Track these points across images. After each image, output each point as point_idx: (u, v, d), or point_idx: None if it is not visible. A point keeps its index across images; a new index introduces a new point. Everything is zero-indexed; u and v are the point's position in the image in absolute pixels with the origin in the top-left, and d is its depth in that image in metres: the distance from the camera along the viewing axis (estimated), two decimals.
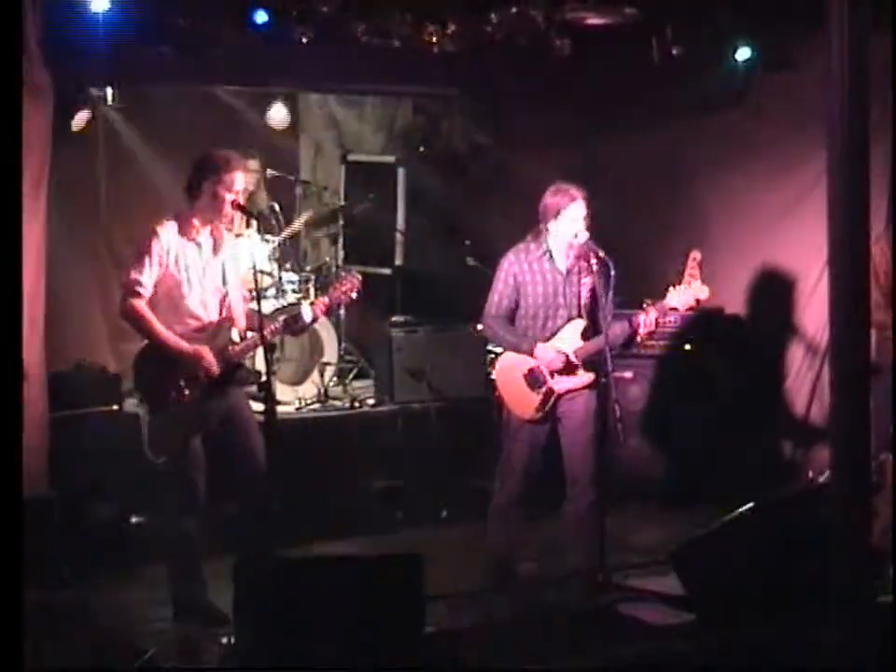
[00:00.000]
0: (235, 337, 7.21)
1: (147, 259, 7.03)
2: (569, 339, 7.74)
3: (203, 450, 7.24)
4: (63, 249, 8.57)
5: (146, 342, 7.32)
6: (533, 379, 7.74)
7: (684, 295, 7.65)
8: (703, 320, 10.11)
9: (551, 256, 7.80)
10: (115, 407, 8.95)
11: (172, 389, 7.08)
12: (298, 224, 10.71)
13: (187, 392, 7.07)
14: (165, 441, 7.15)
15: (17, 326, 4.19)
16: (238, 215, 7.27)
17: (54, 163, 8.01)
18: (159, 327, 7.04)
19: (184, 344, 7.07)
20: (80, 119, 8.93)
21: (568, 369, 7.69)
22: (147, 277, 7.00)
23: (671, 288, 7.67)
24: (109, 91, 9.98)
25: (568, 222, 7.67)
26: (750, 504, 7.63)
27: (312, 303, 7.59)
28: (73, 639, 6.91)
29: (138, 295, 7.01)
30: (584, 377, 7.74)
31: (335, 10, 8.37)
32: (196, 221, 7.17)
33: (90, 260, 10.52)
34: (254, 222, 7.53)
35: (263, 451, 7.11)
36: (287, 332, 7.67)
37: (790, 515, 7.31)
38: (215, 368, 7.09)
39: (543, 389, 7.73)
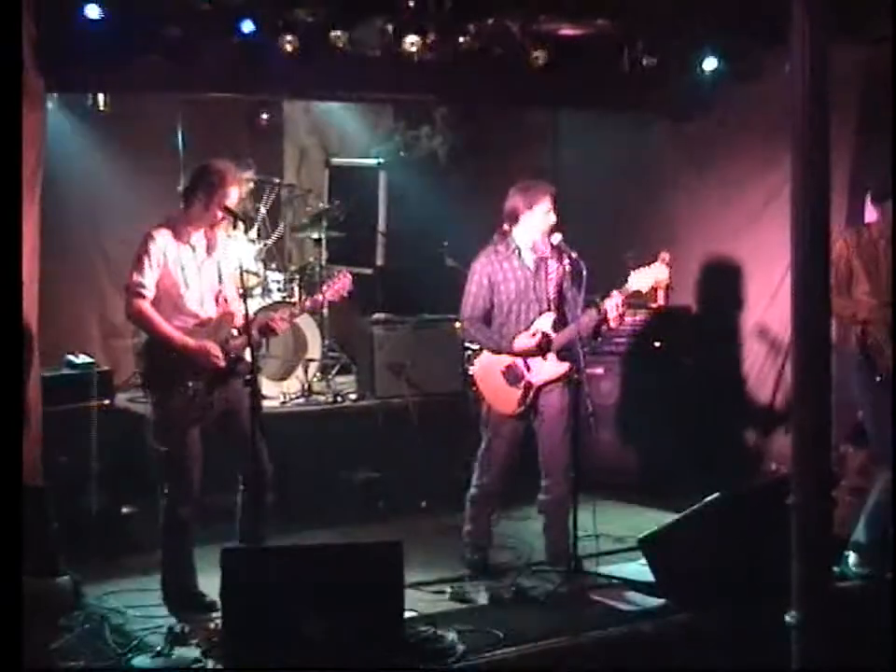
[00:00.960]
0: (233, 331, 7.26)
1: (146, 262, 7.08)
2: (541, 336, 7.78)
3: (199, 440, 7.27)
4: (56, 249, 8.55)
5: (144, 338, 7.37)
6: (511, 375, 7.78)
7: (644, 277, 7.69)
8: (671, 318, 10.16)
9: (519, 254, 7.86)
10: (106, 401, 8.95)
11: (177, 382, 7.13)
12: (281, 224, 10.75)
13: (191, 385, 7.12)
14: (170, 431, 7.20)
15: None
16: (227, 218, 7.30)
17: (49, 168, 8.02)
18: (164, 325, 7.10)
19: (190, 340, 7.12)
20: (74, 124, 8.90)
21: (545, 349, 7.72)
22: (149, 279, 7.05)
23: (631, 273, 7.71)
24: (101, 97, 9.99)
25: (541, 215, 7.73)
26: (716, 494, 7.68)
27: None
28: (65, 625, 6.92)
29: (142, 296, 7.08)
30: (560, 368, 7.78)
31: (318, 21, 8.38)
32: (189, 226, 7.22)
33: (83, 260, 10.54)
34: (241, 224, 7.56)
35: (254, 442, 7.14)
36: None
37: (753, 505, 7.34)
38: (222, 361, 7.16)
39: (522, 384, 7.77)
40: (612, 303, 7.66)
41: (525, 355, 7.75)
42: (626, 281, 7.70)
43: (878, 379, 7.75)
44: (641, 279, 7.68)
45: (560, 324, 7.80)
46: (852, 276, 7.87)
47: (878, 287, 7.82)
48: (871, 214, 8.36)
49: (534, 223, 7.75)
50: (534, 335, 7.72)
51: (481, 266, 7.88)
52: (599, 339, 8.57)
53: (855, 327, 7.84)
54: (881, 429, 7.79)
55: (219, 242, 7.35)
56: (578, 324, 7.64)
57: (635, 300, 8.07)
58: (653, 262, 7.71)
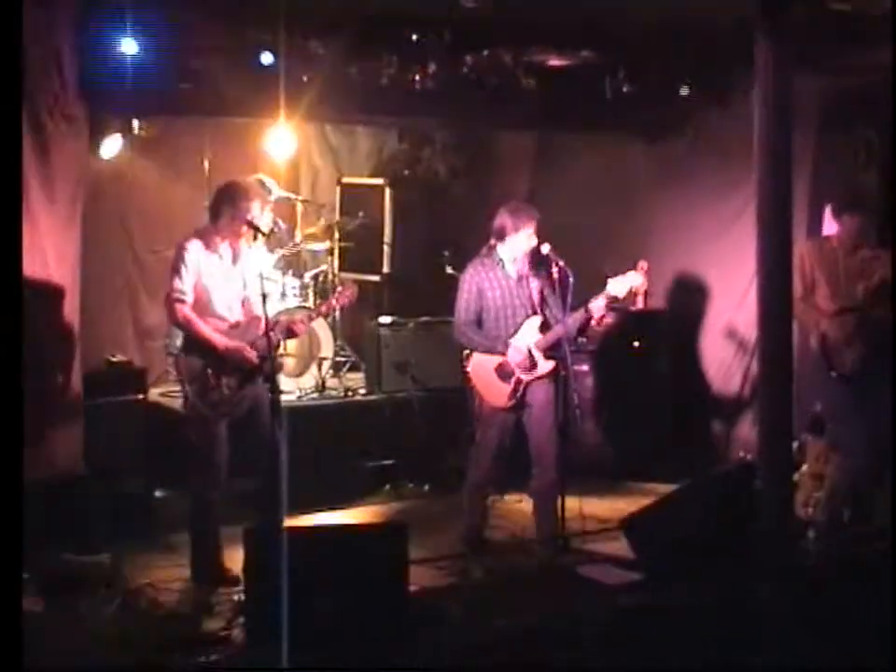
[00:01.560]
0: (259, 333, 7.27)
1: (182, 270, 7.10)
2: (529, 333, 7.80)
3: (226, 431, 7.28)
4: (95, 259, 8.55)
5: (176, 340, 7.39)
6: (503, 372, 7.79)
7: (621, 283, 7.71)
8: (649, 320, 10.16)
9: (503, 266, 7.88)
10: (140, 396, 8.97)
11: (212, 380, 7.15)
12: (298, 236, 10.75)
13: (224, 381, 7.14)
14: (201, 424, 7.21)
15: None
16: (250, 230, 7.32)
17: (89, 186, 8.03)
18: (205, 328, 7.13)
19: (228, 341, 7.16)
20: (111, 146, 8.90)
21: (531, 362, 7.75)
22: (187, 286, 7.07)
23: (609, 280, 7.74)
24: (136, 121, 10.00)
25: (525, 238, 7.77)
26: (689, 479, 7.69)
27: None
28: (105, 598, 6.93)
29: (182, 302, 7.11)
30: (547, 365, 7.79)
31: (331, 53, 8.38)
32: (217, 237, 7.24)
33: (119, 269, 10.54)
34: (261, 236, 7.57)
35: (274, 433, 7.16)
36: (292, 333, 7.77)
37: (723, 489, 7.35)
38: (255, 359, 7.18)
39: (513, 380, 7.78)
40: (597, 305, 7.69)
41: (517, 362, 7.77)
42: (606, 287, 7.73)
43: (834, 376, 7.77)
44: (619, 285, 7.71)
45: (545, 326, 7.82)
46: (814, 284, 7.89)
47: (837, 293, 7.85)
48: (830, 226, 8.37)
49: (518, 243, 7.80)
50: (522, 352, 7.75)
51: (469, 277, 7.92)
52: (584, 338, 8.62)
53: (816, 329, 7.86)
54: (837, 421, 7.82)
55: (243, 251, 7.36)
56: (564, 325, 7.67)
57: (617, 303, 8.08)
58: (630, 271, 7.74)
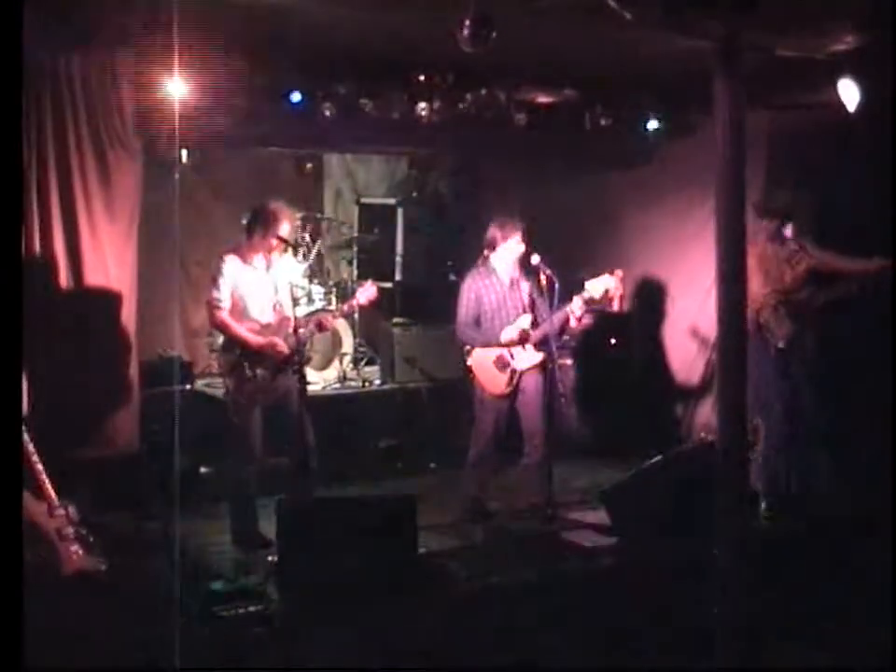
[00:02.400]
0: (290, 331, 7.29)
1: (221, 281, 7.18)
2: (522, 328, 7.86)
3: (261, 416, 7.31)
4: (150, 270, 8.58)
5: (219, 339, 7.45)
6: (500, 363, 7.83)
7: (597, 284, 7.78)
8: (624, 321, 10.19)
9: (496, 273, 7.94)
10: (188, 386, 9.01)
11: (247, 373, 7.21)
12: (322, 248, 10.75)
13: (258, 373, 7.16)
14: (240, 409, 7.26)
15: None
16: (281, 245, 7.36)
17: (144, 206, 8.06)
18: (240, 329, 7.20)
19: (260, 339, 7.21)
20: (162, 173, 8.92)
21: (524, 341, 7.80)
22: (224, 294, 7.11)
23: (586, 283, 7.79)
24: (185, 152, 10.02)
25: (513, 245, 7.86)
26: (659, 456, 7.71)
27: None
28: (157, 560, 6.97)
29: (220, 308, 7.18)
30: (537, 357, 7.86)
31: (351, 91, 8.40)
32: (251, 251, 7.28)
33: (169, 277, 10.56)
34: (290, 249, 7.60)
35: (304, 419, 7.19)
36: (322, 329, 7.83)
37: (687, 465, 7.38)
38: (287, 351, 7.21)
39: (509, 370, 7.82)
40: (577, 305, 7.72)
41: (510, 345, 7.80)
42: (584, 289, 7.76)
43: (774, 351, 8.01)
44: (595, 286, 7.76)
45: (535, 325, 7.85)
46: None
47: (768, 279, 8.03)
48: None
49: (507, 251, 7.85)
50: (514, 330, 7.79)
51: (468, 284, 7.98)
52: (566, 336, 8.66)
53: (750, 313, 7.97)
54: (762, 394, 7.90)
55: (274, 262, 7.39)
56: (551, 323, 7.72)
57: (597, 306, 8.12)
58: (604, 274, 7.80)
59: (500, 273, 7.93)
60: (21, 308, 4.47)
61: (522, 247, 7.85)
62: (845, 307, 8.07)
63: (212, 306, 7.19)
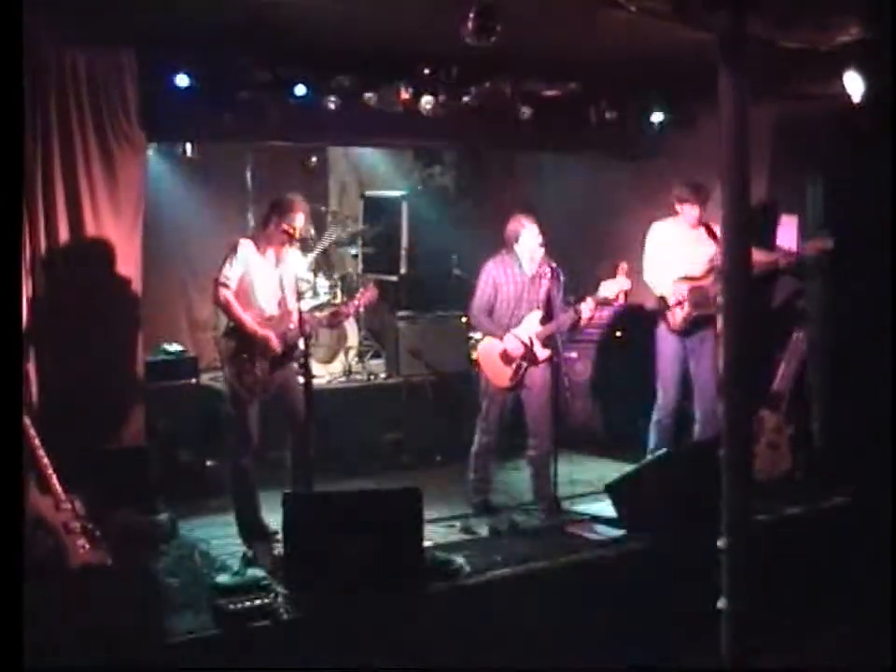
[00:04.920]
0: (292, 325, 7.29)
1: (232, 261, 7.20)
2: (531, 325, 7.83)
3: (259, 409, 7.31)
4: (155, 263, 8.59)
5: (222, 331, 7.46)
6: (507, 357, 7.82)
7: (612, 286, 7.77)
8: (629, 314, 10.17)
9: (520, 265, 7.89)
10: (193, 380, 9.02)
11: (248, 364, 7.20)
12: (327, 242, 10.75)
13: (258, 365, 7.18)
14: (238, 401, 7.25)
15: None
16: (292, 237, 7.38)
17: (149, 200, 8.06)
18: (242, 312, 7.20)
19: (258, 328, 7.21)
20: (168, 167, 8.94)
21: (531, 350, 7.76)
22: (233, 274, 7.14)
23: (602, 283, 7.78)
24: (189, 145, 10.03)
25: (527, 241, 7.79)
26: (664, 450, 7.71)
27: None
28: (164, 551, 6.98)
29: (226, 286, 7.19)
30: (544, 353, 7.82)
31: (355, 85, 8.40)
32: (265, 242, 7.31)
33: (174, 270, 10.58)
34: (297, 242, 7.62)
35: (304, 412, 7.19)
36: (329, 325, 7.94)
37: (692, 458, 7.37)
38: (279, 348, 7.23)
39: (514, 364, 7.81)
40: (587, 307, 7.73)
41: (514, 355, 7.80)
42: (598, 289, 7.76)
43: (665, 330, 8.45)
44: (610, 288, 7.76)
45: (546, 319, 7.84)
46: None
47: (675, 264, 8.42)
48: (783, 232, 8.46)
49: (528, 241, 7.81)
50: (519, 342, 7.79)
51: (488, 270, 7.95)
52: (574, 332, 8.69)
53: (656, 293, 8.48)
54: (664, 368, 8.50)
55: (284, 256, 7.42)
56: (558, 321, 7.70)
57: (602, 300, 8.11)
58: (619, 275, 7.80)
59: (525, 264, 7.90)
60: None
61: (540, 238, 7.83)
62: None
63: (219, 283, 7.19)
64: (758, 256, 8.01)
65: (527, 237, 7.82)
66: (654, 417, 8.57)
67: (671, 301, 8.35)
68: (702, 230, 8.43)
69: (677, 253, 8.43)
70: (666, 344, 8.47)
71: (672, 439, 8.45)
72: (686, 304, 8.32)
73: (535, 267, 7.88)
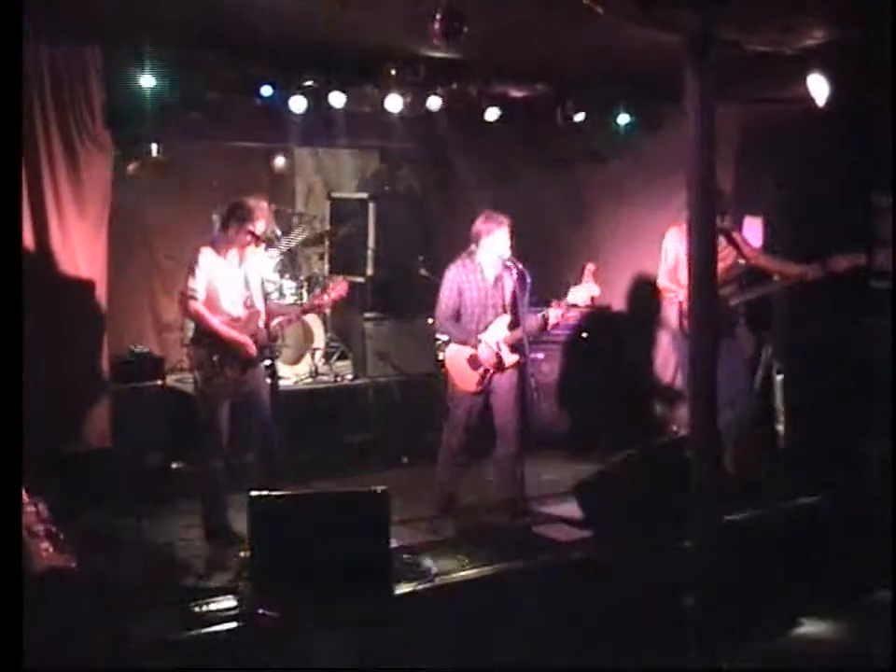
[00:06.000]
0: (261, 325, 7.28)
1: (196, 272, 7.13)
2: (499, 330, 7.80)
3: (228, 411, 7.29)
4: (120, 263, 8.55)
5: (189, 333, 7.44)
6: (474, 362, 7.80)
7: (581, 292, 7.72)
8: (596, 315, 10.20)
9: (482, 269, 7.86)
10: (159, 382, 8.97)
11: (218, 367, 7.18)
12: (293, 243, 10.73)
13: (227, 369, 7.16)
14: (208, 404, 7.22)
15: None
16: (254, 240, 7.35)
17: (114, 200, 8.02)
18: (214, 321, 7.17)
19: (235, 334, 7.19)
20: (133, 166, 8.88)
21: (499, 357, 7.76)
22: (198, 285, 7.09)
23: (571, 288, 7.76)
24: (154, 145, 9.99)
25: (496, 241, 7.75)
26: (631, 450, 7.73)
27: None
28: (127, 556, 6.94)
29: (195, 299, 7.13)
30: (511, 358, 7.80)
31: (322, 86, 8.39)
32: (226, 245, 7.27)
33: (140, 271, 10.53)
34: (263, 244, 7.60)
35: (271, 413, 7.18)
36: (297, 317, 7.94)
37: (660, 459, 7.39)
38: (254, 350, 7.20)
39: (481, 369, 7.80)
40: (555, 313, 7.72)
41: (483, 361, 7.80)
42: (567, 295, 7.74)
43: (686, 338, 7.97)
44: (578, 294, 7.72)
45: (513, 324, 7.81)
46: (677, 263, 8.13)
47: None
48: (748, 229, 8.50)
49: (493, 246, 7.77)
50: (491, 351, 7.77)
51: (451, 276, 7.89)
52: (541, 335, 8.69)
53: (675, 300, 8.28)
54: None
55: (247, 257, 7.38)
56: (523, 327, 7.66)
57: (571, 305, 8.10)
58: (585, 276, 7.77)
59: (486, 268, 7.87)
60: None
61: (507, 242, 7.79)
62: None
63: (186, 296, 7.16)
64: (788, 268, 8.09)
65: (492, 241, 7.79)
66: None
67: (686, 309, 8.14)
68: (721, 235, 8.11)
69: None
70: (684, 353, 8.00)
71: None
72: None
73: (497, 270, 7.87)
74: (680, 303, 8.14)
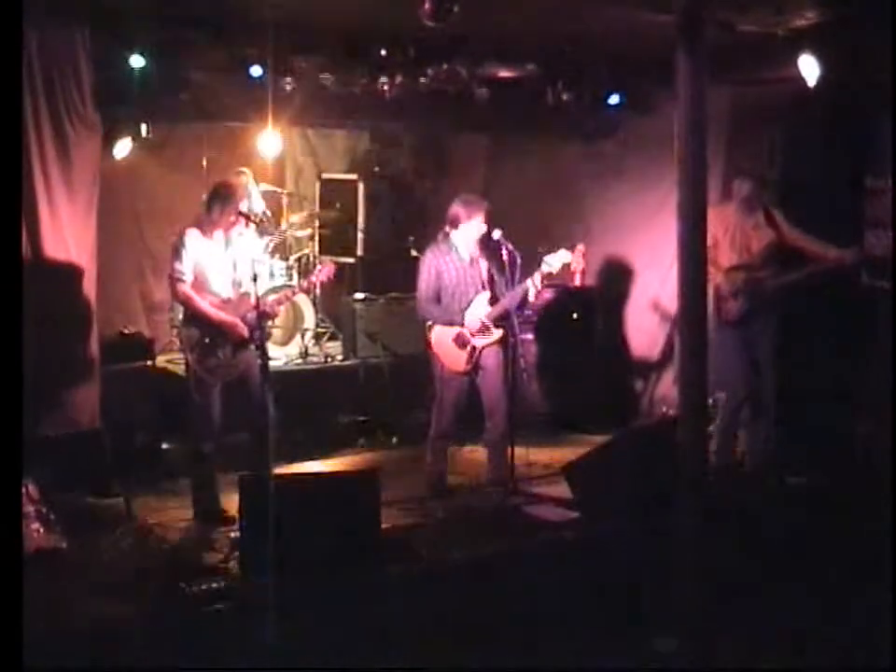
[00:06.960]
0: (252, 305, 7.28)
1: (183, 254, 7.11)
2: (480, 306, 7.86)
3: (221, 392, 7.29)
4: (110, 245, 8.52)
5: (179, 315, 7.42)
6: (460, 340, 7.82)
7: (554, 260, 7.79)
8: (586, 295, 10.20)
9: (457, 250, 7.91)
10: (149, 363, 8.96)
11: (209, 348, 7.18)
12: (285, 227, 10.73)
13: (219, 350, 7.16)
14: (201, 385, 7.21)
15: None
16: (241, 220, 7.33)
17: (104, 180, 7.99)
18: (203, 303, 7.16)
19: (224, 316, 7.18)
20: (122, 147, 8.82)
21: (484, 329, 7.78)
22: (185, 267, 7.07)
23: (544, 258, 7.78)
24: (143, 126, 9.94)
25: (476, 225, 7.79)
26: (621, 431, 7.74)
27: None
28: (120, 535, 6.93)
29: (183, 281, 7.13)
30: (496, 334, 7.84)
31: (311, 66, 8.36)
32: (211, 226, 7.24)
33: (130, 253, 10.50)
34: (252, 224, 7.58)
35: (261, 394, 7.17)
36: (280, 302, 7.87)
37: (648, 440, 7.40)
38: (245, 332, 7.21)
39: (468, 348, 7.81)
40: (533, 283, 7.73)
41: (467, 338, 7.81)
42: (541, 263, 7.76)
43: (720, 322, 8.01)
44: (552, 261, 7.76)
45: (493, 300, 7.86)
46: (715, 243, 7.96)
47: (733, 250, 8.09)
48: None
49: (469, 230, 7.82)
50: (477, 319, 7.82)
51: (428, 260, 7.94)
52: (529, 311, 8.69)
53: (711, 281, 7.91)
54: (720, 363, 7.80)
55: (234, 238, 7.35)
56: (510, 297, 7.72)
57: (558, 281, 8.11)
58: (574, 255, 7.80)
59: (461, 250, 7.91)
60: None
61: (484, 227, 7.82)
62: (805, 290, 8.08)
63: (174, 279, 7.15)
64: (827, 251, 7.88)
65: (469, 226, 7.82)
66: (719, 424, 8.29)
67: (724, 292, 8.06)
68: (760, 215, 8.12)
69: (731, 240, 8.11)
70: (724, 337, 8.00)
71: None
72: (740, 296, 8.04)
73: (472, 251, 7.89)
74: (717, 286, 8.02)
